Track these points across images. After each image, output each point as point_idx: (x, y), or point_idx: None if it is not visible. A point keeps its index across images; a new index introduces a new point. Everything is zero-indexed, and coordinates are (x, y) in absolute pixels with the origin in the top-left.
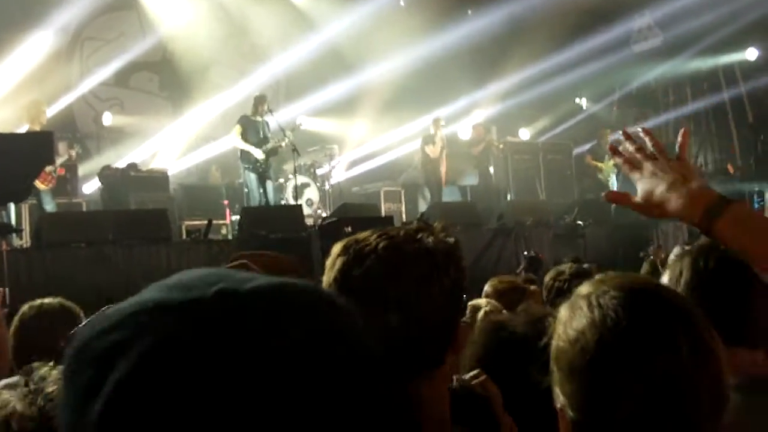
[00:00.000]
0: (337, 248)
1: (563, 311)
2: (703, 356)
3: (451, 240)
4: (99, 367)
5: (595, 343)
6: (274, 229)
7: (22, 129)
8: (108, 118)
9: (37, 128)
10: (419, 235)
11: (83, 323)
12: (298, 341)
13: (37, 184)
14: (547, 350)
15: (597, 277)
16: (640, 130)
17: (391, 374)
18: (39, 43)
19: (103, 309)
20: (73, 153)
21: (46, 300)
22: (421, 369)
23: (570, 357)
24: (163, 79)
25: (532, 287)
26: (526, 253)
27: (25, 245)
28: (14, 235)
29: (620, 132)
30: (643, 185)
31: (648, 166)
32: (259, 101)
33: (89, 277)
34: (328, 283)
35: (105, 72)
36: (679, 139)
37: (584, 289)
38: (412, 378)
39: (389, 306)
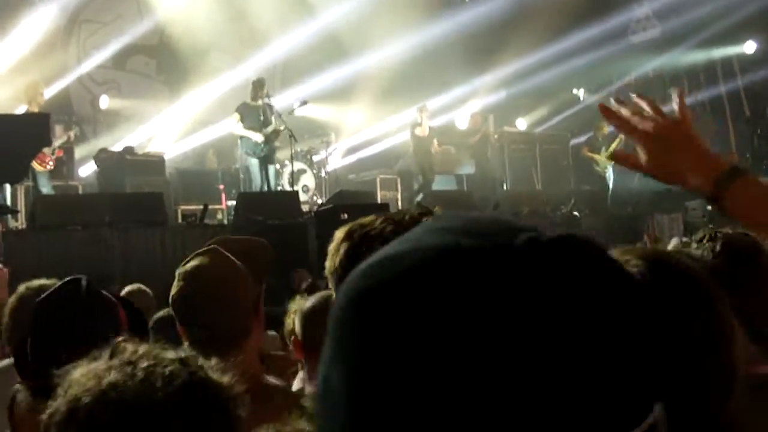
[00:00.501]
0: (340, 233)
1: None
2: (718, 333)
3: None
4: (396, 321)
5: None
6: (270, 215)
7: (20, 110)
8: (105, 101)
9: (35, 109)
10: (424, 220)
11: (362, 264)
12: (609, 296)
13: (35, 165)
14: None
15: (619, 248)
16: (633, 95)
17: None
18: (35, 25)
19: (373, 258)
20: (72, 135)
21: (44, 281)
22: None
23: None
24: (160, 63)
25: None
26: None
27: (20, 227)
28: (10, 216)
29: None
30: (646, 148)
31: (648, 126)
32: (258, 85)
33: (84, 260)
34: (333, 268)
35: (102, 55)
36: (675, 99)
37: None
38: None
39: None
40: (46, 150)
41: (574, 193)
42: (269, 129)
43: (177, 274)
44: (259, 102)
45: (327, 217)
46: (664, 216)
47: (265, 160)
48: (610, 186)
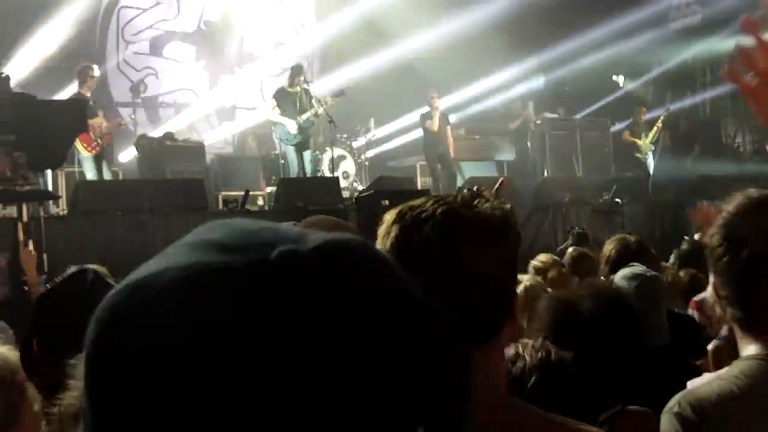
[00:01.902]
0: (390, 215)
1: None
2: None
3: (507, 206)
4: (141, 348)
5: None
6: (310, 201)
7: (71, 91)
8: (143, 88)
9: (86, 92)
10: (476, 202)
11: (115, 288)
12: (369, 302)
13: (81, 150)
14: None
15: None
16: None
17: (453, 332)
18: (75, 10)
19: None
20: (121, 122)
21: (92, 266)
22: (479, 337)
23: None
24: (198, 49)
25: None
26: (577, 229)
27: (61, 212)
28: (51, 202)
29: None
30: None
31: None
32: (296, 72)
33: (125, 245)
34: (383, 251)
35: (140, 41)
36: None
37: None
38: (470, 346)
39: (449, 272)
40: (93, 134)
41: (615, 179)
42: (305, 116)
43: None
44: (297, 88)
45: (368, 203)
46: (707, 203)
47: (300, 147)
48: (651, 172)
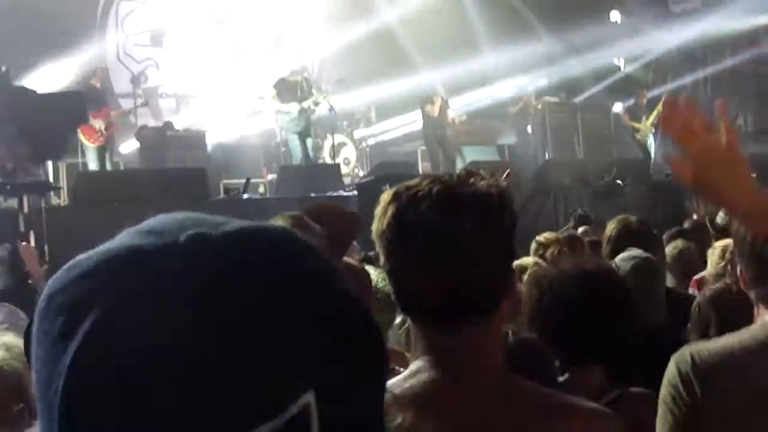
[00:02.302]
0: (387, 195)
1: None
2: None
3: (503, 184)
4: (70, 315)
5: None
6: (311, 188)
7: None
8: (144, 79)
9: (96, 83)
10: (471, 180)
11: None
12: (268, 286)
13: (84, 141)
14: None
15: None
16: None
17: (368, 317)
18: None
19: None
20: (127, 110)
21: None
22: (476, 314)
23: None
24: (199, 40)
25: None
26: (579, 210)
27: (63, 203)
28: (52, 193)
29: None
30: (695, 162)
31: (702, 141)
32: (295, 61)
33: None
34: (381, 231)
35: (141, 32)
36: (719, 114)
37: None
38: (467, 322)
39: (445, 249)
40: (96, 125)
41: (616, 161)
42: (306, 103)
43: None
44: (297, 77)
45: (369, 189)
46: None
47: (303, 134)
48: (652, 154)
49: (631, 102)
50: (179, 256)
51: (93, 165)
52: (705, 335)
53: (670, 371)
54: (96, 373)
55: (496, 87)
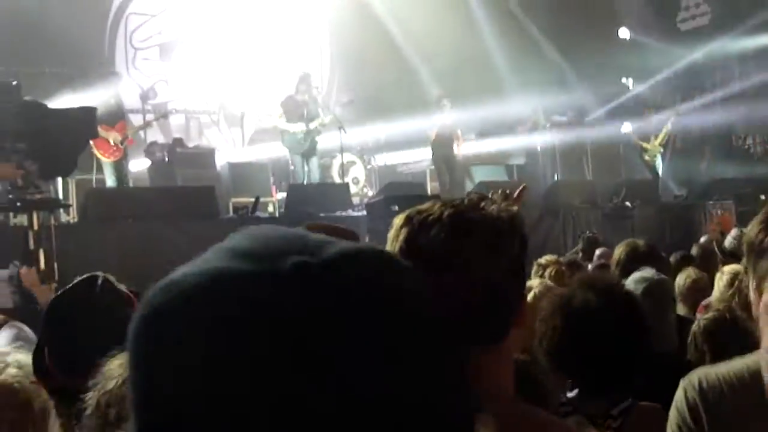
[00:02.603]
0: (399, 219)
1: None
2: None
3: (514, 209)
4: (167, 341)
5: None
6: (320, 207)
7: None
8: (153, 94)
9: (111, 100)
10: (482, 204)
11: (147, 293)
12: (373, 319)
13: (99, 156)
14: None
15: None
16: None
17: (457, 345)
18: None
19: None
20: (147, 122)
21: (100, 274)
22: (485, 339)
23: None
24: (208, 55)
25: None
26: (588, 233)
27: (72, 220)
28: (62, 210)
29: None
30: None
31: None
32: (303, 80)
33: (136, 253)
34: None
35: (149, 48)
36: None
37: None
38: (475, 348)
39: (455, 274)
40: (111, 139)
41: (625, 182)
42: (313, 124)
43: None
44: (305, 96)
45: (377, 209)
46: (716, 204)
47: (307, 155)
48: (660, 174)
49: (639, 122)
50: (283, 287)
51: (110, 181)
52: (702, 363)
53: (678, 396)
54: (192, 404)
55: (505, 106)
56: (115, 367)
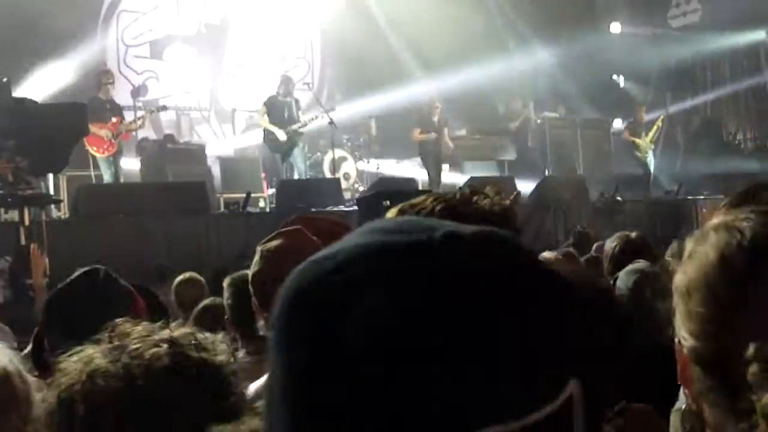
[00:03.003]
0: (392, 214)
1: (690, 243)
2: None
3: (506, 202)
4: (330, 314)
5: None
6: (311, 202)
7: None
8: (144, 90)
9: (103, 96)
10: (474, 198)
11: (295, 271)
12: (533, 283)
13: (93, 152)
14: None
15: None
16: None
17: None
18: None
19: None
20: (141, 120)
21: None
22: None
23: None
24: (198, 52)
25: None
26: (579, 228)
27: (63, 216)
28: (53, 206)
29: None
30: None
31: None
32: (285, 81)
33: (128, 249)
34: None
35: (141, 44)
36: None
37: (714, 220)
38: None
39: None
40: (104, 135)
41: (616, 177)
42: (294, 126)
43: (258, 250)
44: (287, 98)
45: (369, 204)
46: (707, 202)
47: (286, 155)
48: (652, 170)
49: (630, 118)
50: (444, 253)
51: (107, 176)
52: None
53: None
54: (369, 367)
55: (495, 102)
56: (73, 364)
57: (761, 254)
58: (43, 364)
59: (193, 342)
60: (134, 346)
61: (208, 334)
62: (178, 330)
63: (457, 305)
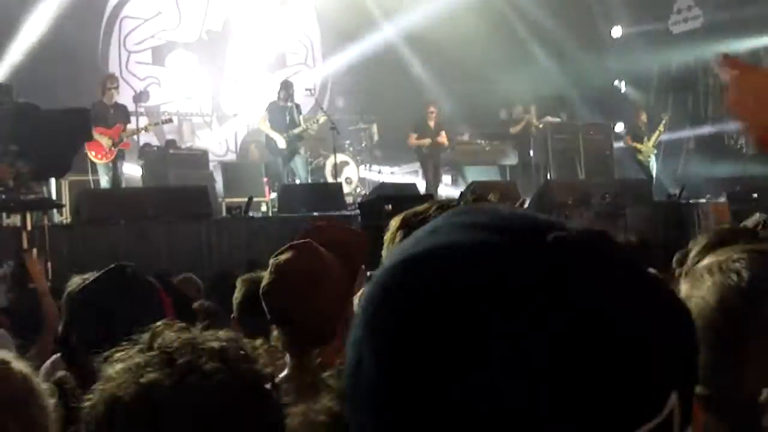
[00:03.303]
0: (395, 222)
1: (684, 286)
2: None
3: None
4: (422, 316)
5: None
6: (313, 207)
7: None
8: (146, 96)
9: (108, 102)
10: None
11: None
12: (639, 295)
13: (92, 158)
14: None
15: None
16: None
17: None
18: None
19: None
20: (146, 127)
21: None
22: None
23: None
24: (200, 58)
25: None
26: None
27: (65, 221)
28: (55, 210)
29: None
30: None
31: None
32: (285, 87)
33: (130, 253)
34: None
35: (142, 50)
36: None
37: (706, 261)
38: None
39: None
40: (104, 142)
41: (618, 182)
42: (296, 131)
43: (270, 263)
44: (288, 103)
45: (371, 209)
46: (708, 204)
47: (287, 159)
48: (654, 175)
49: (632, 123)
50: (556, 258)
51: (104, 181)
52: None
53: None
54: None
55: (497, 106)
56: (121, 372)
57: (759, 295)
58: (70, 358)
59: (241, 352)
60: (185, 359)
61: (246, 340)
62: (222, 337)
63: (570, 315)
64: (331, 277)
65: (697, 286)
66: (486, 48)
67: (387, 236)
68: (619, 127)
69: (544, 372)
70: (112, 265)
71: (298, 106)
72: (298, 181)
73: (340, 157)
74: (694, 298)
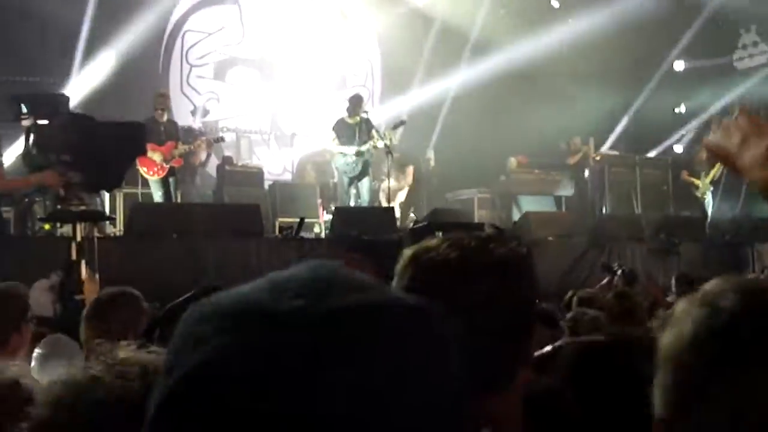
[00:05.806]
0: (407, 255)
1: (679, 307)
2: None
3: (523, 250)
4: (178, 352)
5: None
6: (365, 230)
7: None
8: (205, 112)
9: (161, 119)
10: (490, 246)
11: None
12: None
13: (144, 174)
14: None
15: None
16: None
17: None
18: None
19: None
20: (204, 146)
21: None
22: (489, 385)
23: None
24: (261, 75)
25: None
26: (624, 268)
27: (117, 233)
28: (107, 222)
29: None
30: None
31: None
32: (355, 102)
33: (179, 268)
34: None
35: (204, 65)
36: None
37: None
38: (479, 394)
39: (459, 318)
40: (156, 158)
41: (673, 219)
42: (365, 147)
43: None
44: (356, 118)
45: (421, 235)
46: (764, 245)
47: (358, 177)
48: (709, 212)
49: (690, 158)
50: (279, 327)
51: (156, 197)
52: None
53: None
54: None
55: (555, 137)
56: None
57: (733, 338)
58: None
59: None
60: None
61: None
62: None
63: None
64: None
65: (685, 312)
66: (547, 78)
67: (398, 268)
68: (679, 149)
69: None
70: (202, 286)
71: (368, 121)
72: (360, 203)
73: (395, 182)
74: (676, 324)
